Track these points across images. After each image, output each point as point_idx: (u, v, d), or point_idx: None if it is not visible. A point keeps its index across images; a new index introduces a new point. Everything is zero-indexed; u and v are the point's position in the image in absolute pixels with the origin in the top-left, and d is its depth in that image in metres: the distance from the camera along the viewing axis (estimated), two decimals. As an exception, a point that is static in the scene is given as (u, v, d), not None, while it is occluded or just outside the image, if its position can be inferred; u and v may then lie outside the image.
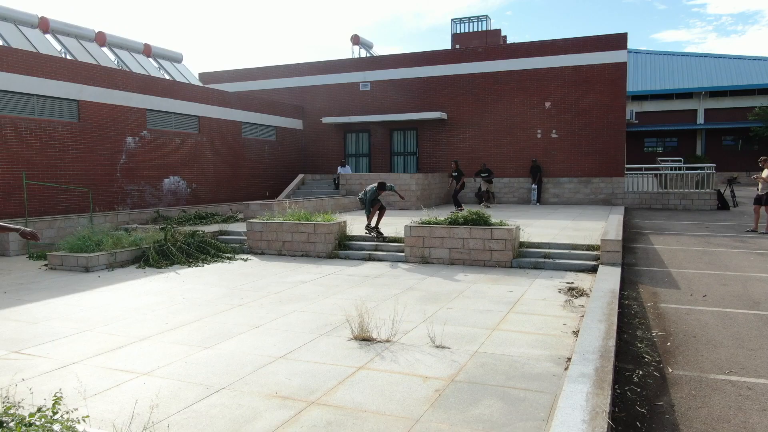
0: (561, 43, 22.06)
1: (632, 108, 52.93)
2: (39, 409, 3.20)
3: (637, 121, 40.84)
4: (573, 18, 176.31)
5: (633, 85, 54.17)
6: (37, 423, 2.98)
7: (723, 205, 20.37)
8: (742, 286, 8.67)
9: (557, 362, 5.20)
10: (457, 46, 49.96)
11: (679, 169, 22.31)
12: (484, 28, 50.90)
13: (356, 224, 13.69)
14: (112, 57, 20.90)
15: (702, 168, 21.40)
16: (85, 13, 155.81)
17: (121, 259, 10.81)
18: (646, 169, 22.39)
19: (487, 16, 51.57)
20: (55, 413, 3.15)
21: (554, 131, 22.21)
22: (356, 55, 29.57)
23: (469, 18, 52.06)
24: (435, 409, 4.19)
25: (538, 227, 13.53)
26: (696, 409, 4.54)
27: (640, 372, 5.37)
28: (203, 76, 28.00)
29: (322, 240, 11.50)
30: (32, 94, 14.51)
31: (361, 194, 12.18)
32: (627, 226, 15.93)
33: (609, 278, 8.35)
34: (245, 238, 12.56)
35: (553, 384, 4.66)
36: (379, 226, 12.13)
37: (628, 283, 9.02)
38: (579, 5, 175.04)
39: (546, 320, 6.62)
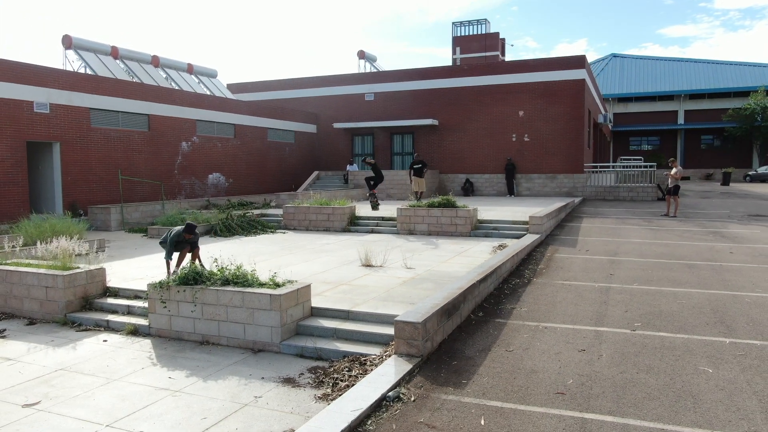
0: (532, 63, 26.59)
1: (617, 109, 57.34)
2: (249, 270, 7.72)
3: (611, 123, 45.14)
4: (579, 14, 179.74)
5: (619, 87, 58.50)
6: (250, 277, 7.47)
7: (663, 196, 24.80)
8: (616, 246, 13.20)
9: (469, 272, 9.76)
10: (458, 49, 54.47)
11: (630, 167, 26.81)
12: (484, 31, 55.19)
13: (364, 209, 18.28)
14: (164, 75, 25.56)
15: (645, 166, 25.86)
16: (121, 32, 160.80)
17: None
18: (602, 167, 26.94)
19: (486, 19, 55.77)
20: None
21: (526, 135, 26.74)
22: (362, 68, 34.18)
23: (469, 21, 56.35)
24: (401, 285, 8.76)
25: (499, 211, 18.06)
26: (535, 292, 9.13)
27: (518, 280, 9.92)
28: (231, 87, 32.60)
29: (339, 219, 16.07)
30: (118, 111, 19.16)
31: (163, 237, 9.53)
32: (573, 212, 20.47)
33: (526, 240, 12.87)
34: (281, 218, 17.16)
35: (461, 278, 9.23)
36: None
37: (543, 244, 13.55)
38: (585, 1, 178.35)
39: (475, 259, 11.17)
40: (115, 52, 23.23)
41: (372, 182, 17.67)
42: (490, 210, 18.11)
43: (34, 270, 8.47)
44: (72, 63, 22.54)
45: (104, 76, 19.79)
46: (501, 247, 12.63)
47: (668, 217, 18.47)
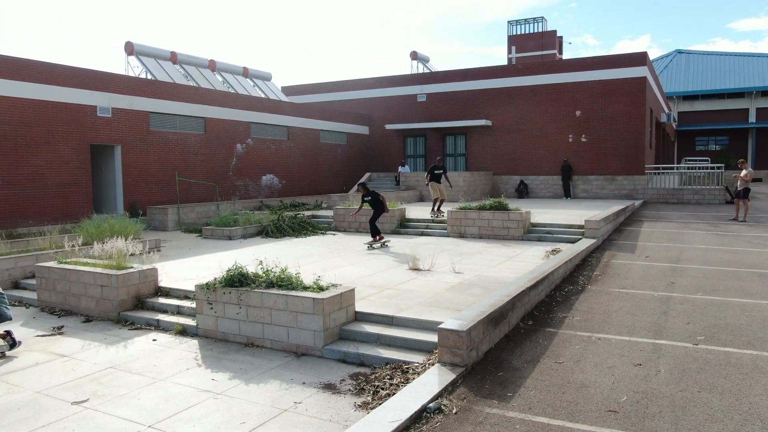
0: (590, 61, 25.73)
1: (682, 108, 54.88)
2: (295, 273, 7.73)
3: (675, 122, 43.23)
4: (642, 9, 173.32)
5: (684, 85, 55.94)
6: (295, 280, 7.45)
7: (732, 199, 23.47)
8: (679, 252, 12.52)
9: (519, 278, 9.44)
10: (513, 48, 53.55)
11: (696, 168, 25.51)
12: (540, 30, 54.03)
13: (414, 211, 18.13)
14: (220, 79, 26.20)
15: (712, 168, 24.55)
16: (177, 37, 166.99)
17: (249, 232, 15.67)
18: (664, 168, 25.76)
19: (543, 17, 54.63)
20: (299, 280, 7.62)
21: (583, 136, 25.89)
22: (414, 69, 34.01)
23: (525, 20, 55.31)
24: (448, 291, 8.56)
25: (553, 214, 17.51)
26: (589, 300, 8.74)
27: (571, 287, 9.53)
28: (285, 89, 33.09)
29: (388, 221, 15.96)
30: (175, 114, 19.73)
31: None
32: (633, 215, 19.64)
33: (581, 245, 12.38)
34: (332, 219, 17.21)
35: (510, 284, 8.93)
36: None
37: (599, 249, 13.01)
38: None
39: (526, 264, 10.81)
40: (174, 57, 24.01)
41: (375, 222, 13.73)
42: (544, 213, 17.60)
43: (91, 269, 8.75)
44: (134, 69, 23.44)
45: (163, 81, 20.45)
46: (554, 251, 12.20)
47: (737, 221, 17.43)
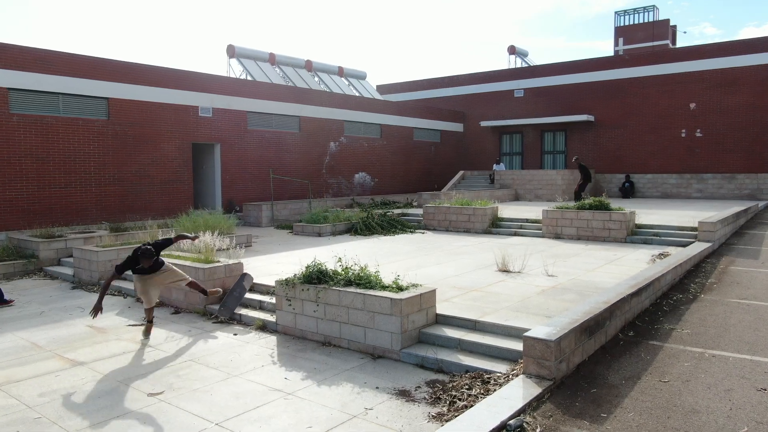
0: (706, 48, 23.55)
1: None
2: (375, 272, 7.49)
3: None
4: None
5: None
6: (374, 279, 7.22)
7: None
8: (813, 260, 10.96)
9: (619, 283, 8.60)
10: (620, 40, 50.55)
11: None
12: (651, 19, 50.46)
13: (507, 210, 17.39)
14: (316, 79, 26.70)
15: None
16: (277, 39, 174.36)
17: (339, 229, 15.68)
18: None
19: (654, 6, 51.07)
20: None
21: (698, 130, 23.75)
22: (512, 64, 32.90)
23: (635, 9, 51.90)
24: (538, 295, 7.93)
25: (661, 215, 16.09)
26: (702, 311, 7.78)
27: (680, 296, 8.55)
28: (380, 88, 33.18)
29: (479, 220, 15.38)
30: (272, 113, 20.25)
31: None
32: (756, 217, 17.66)
33: (694, 249, 11.18)
34: (421, 217, 16.87)
35: (608, 290, 8.13)
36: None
37: (715, 254, 11.69)
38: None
39: (629, 269, 9.88)
40: (272, 59, 24.74)
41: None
42: (651, 213, 16.24)
43: (180, 262, 8.97)
44: (235, 71, 24.41)
45: (260, 81, 21.08)
46: (662, 255, 11.10)
47: None
